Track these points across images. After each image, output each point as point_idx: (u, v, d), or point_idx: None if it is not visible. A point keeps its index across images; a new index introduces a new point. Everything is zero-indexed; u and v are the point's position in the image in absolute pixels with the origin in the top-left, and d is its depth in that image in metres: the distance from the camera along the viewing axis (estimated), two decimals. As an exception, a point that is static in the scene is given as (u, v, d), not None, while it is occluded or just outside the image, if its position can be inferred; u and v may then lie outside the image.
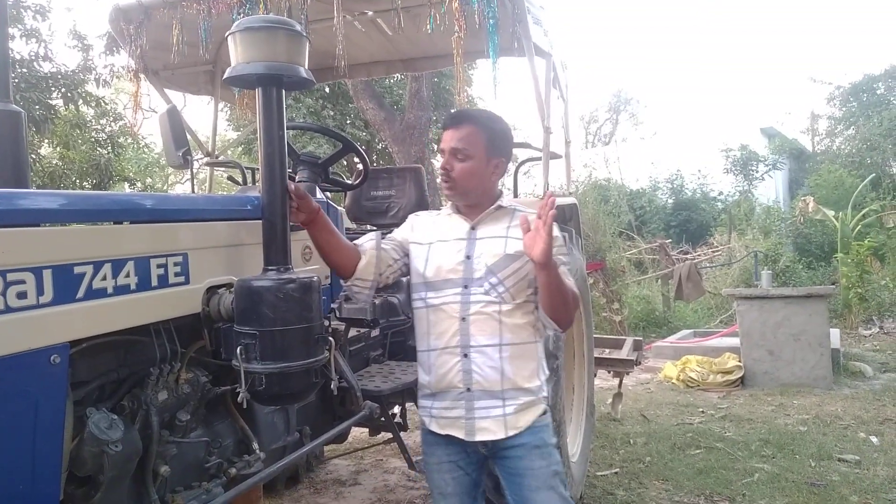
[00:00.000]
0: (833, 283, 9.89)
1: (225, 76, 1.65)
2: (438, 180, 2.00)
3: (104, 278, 1.43)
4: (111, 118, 12.74)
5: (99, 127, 12.62)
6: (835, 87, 19.06)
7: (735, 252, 12.10)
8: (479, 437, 1.84)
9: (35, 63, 10.21)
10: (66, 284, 1.35)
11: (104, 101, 11.97)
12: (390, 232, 2.07)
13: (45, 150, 12.26)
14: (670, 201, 17.41)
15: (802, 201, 12.25)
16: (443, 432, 1.88)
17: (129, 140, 13.76)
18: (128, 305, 1.50)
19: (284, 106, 1.72)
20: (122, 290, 1.48)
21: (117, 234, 1.51)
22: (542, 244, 1.63)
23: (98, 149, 12.03)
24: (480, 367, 1.83)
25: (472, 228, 1.91)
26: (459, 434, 1.86)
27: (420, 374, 1.95)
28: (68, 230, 1.38)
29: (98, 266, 1.42)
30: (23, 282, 1.25)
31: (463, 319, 1.84)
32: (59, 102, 10.59)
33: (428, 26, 2.57)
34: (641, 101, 29.08)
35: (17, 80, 9.60)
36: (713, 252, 12.19)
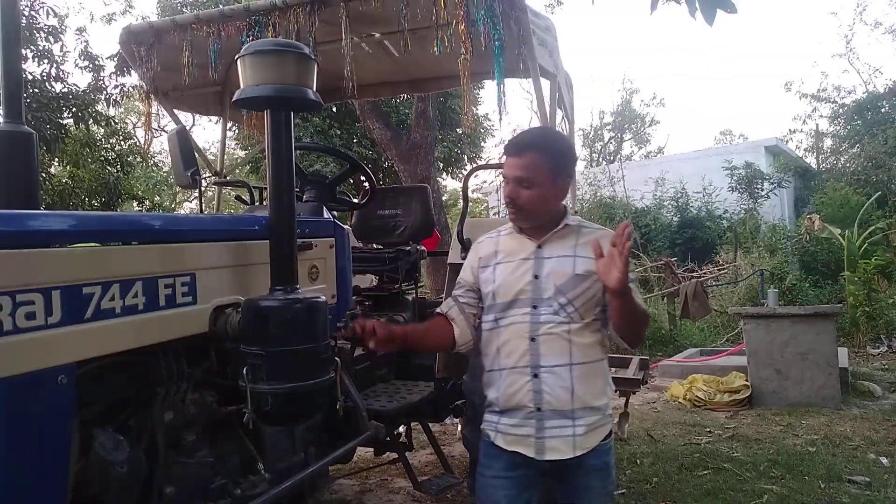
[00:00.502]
0: (840, 302, 9.83)
1: (234, 98, 1.68)
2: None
3: (112, 299, 1.45)
4: (121, 137, 12.86)
5: (108, 146, 12.74)
6: (839, 106, 19.14)
7: (741, 270, 12.06)
8: (548, 457, 1.84)
9: (47, 83, 10.35)
10: (75, 305, 1.36)
11: (114, 121, 12.11)
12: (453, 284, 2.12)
13: (54, 168, 12.37)
14: (675, 219, 17.40)
15: (808, 219, 12.23)
16: (509, 448, 1.87)
17: (139, 159, 13.89)
18: (135, 326, 1.51)
19: (293, 127, 1.74)
20: (129, 310, 1.49)
21: (126, 255, 1.52)
22: (617, 273, 1.64)
23: (107, 167, 12.13)
24: (551, 388, 1.82)
25: (539, 247, 1.91)
26: (528, 452, 1.85)
27: (488, 391, 1.95)
28: (77, 251, 1.39)
29: (106, 287, 1.43)
30: (31, 302, 1.26)
31: (532, 339, 1.84)
32: (70, 122, 10.72)
33: (435, 48, 2.60)
34: (646, 120, 29.12)
35: (28, 101, 9.73)
36: (719, 270, 12.15)
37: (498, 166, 3.79)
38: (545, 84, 3.03)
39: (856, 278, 9.19)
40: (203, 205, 3.16)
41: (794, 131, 23.41)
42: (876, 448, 4.55)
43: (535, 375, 1.83)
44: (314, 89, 1.72)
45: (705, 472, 4.19)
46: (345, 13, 2.67)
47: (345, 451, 2.29)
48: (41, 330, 1.28)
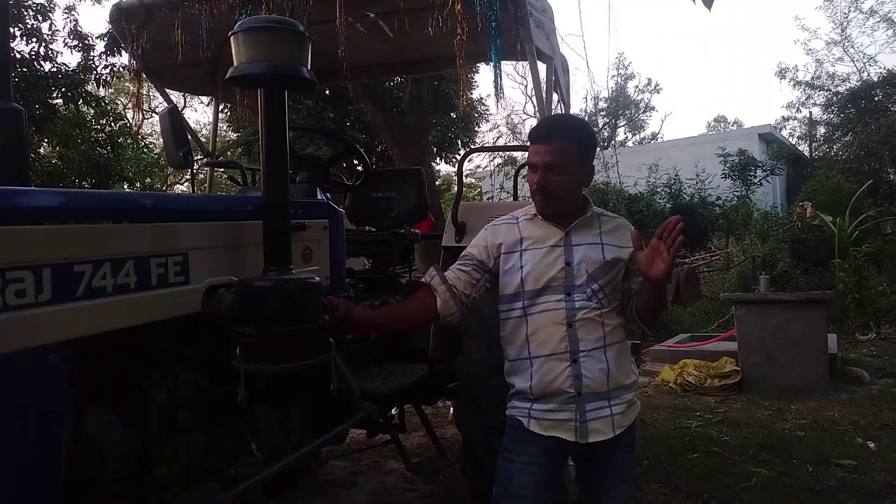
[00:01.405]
0: (830, 289, 9.90)
1: (227, 76, 1.65)
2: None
3: (104, 277, 1.43)
4: (111, 118, 12.71)
5: (99, 127, 12.59)
6: (833, 94, 19.15)
7: (733, 257, 12.12)
8: (591, 439, 1.85)
9: (35, 62, 10.20)
10: (66, 283, 1.34)
11: (104, 101, 11.97)
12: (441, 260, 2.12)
13: (44, 149, 12.23)
14: (668, 206, 17.42)
15: (800, 207, 12.29)
16: (546, 433, 1.87)
17: (129, 140, 13.75)
18: (127, 305, 1.50)
19: (287, 106, 1.71)
20: (121, 289, 1.48)
21: (117, 234, 1.50)
22: (663, 266, 1.70)
23: (98, 148, 12.00)
24: (590, 371, 1.85)
25: (567, 234, 1.91)
26: (568, 436, 1.86)
27: (514, 379, 1.95)
28: (68, 229, 1.38)
29: (98, 265, 1.42)
30: (21, 280, 1.24)
31: (570, 326, 1.86)
32: (60, 102, 10.58)
33: (430, 28, 2.57)
34: (640, 106, 29.05)
35: (17, 80, 9.59)
36: (711, 256, 12.20)
37: (494, 149, 3.78)
38: (541, 67, 3.00)
39: (846, 265, 9.26)
40: (195, 186, 3.13)
41: (788, 119, 23.42)
42: (863, 432, 4.60)
43: (575, 360, 1.85)
44: (309, 68, 1.69)
45: (695, 455, 4.24)
46: (339, -9, 2.63)
47: (338, 432, 2.29)
48: (31, 308, 1.26)
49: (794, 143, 22.34)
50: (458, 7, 2.44)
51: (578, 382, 1.84)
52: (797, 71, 20.82)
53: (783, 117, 23.76)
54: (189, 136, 3.23)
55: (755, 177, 17.17)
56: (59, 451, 1.33)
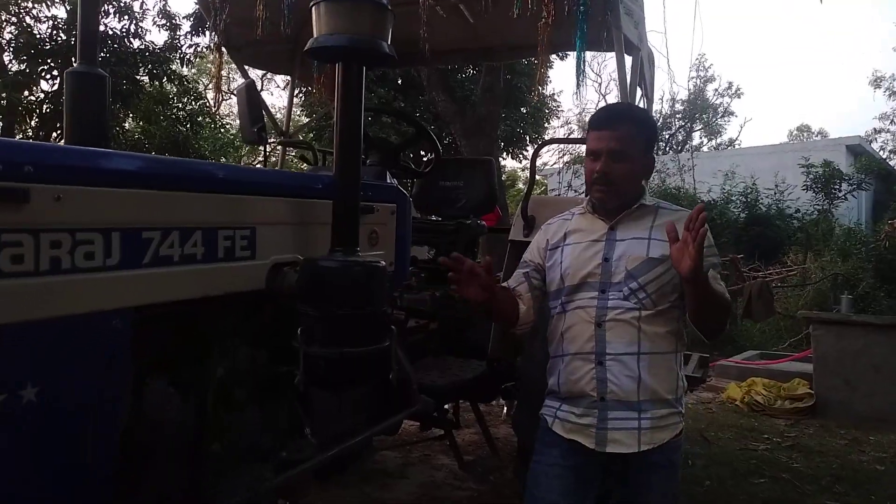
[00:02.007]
0: (917, 314, 9.25)
1: (306, 48, 1.60)
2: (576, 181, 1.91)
3: (171, 246, 1.41)
4: (192, 97, 13.15)
5: (180, 105, 13.05)
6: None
7: (810, 273, 11.49)
8: (609, 449, 1.73)
9: (126, 39, 10.63)
10: (134, 249, 1.32)
11: (187, 81, 12.38)
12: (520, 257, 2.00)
13: (128, 123, 12.77)
14: (743, 215, 16.71)
15: (889, 224, 11.51)
16: (567, 436, 1.78)
17: (208, 120, 14.20)
18: (193, 276, 1.47)
19: (364, 83, 1.65)
20: (188, 259, 1.45)
21: (187, 203, 1.47)
22: (689, 261, 1.52)
23: (178, 126, 12.45)
24: (616, 377, 1.72)
25: (612, 229, 1.80)
26: (587, 443, 1.75)
27: (550, 378, 1.87)
28: (139, 194, 1.35)
29: (166, 233, 1.39)
30: (91, 242, 1.22)
31: (598, 325, 1.74)
32: (146, 79, 11.00)
33: (515, 10, 2.46)
34: (719, 111, 27.96)
35: (107, 55, 10.02)
36: (787, 272, 11.61)
37: (570, 141, 3.64)
38: (627, 59, 2.85)
39: (938, 291, 8.59)
40: (267, 165, 3.14)
41: (880, 131, 22.08)
42: (952, 472, 4.24)
43: (600, 363, 1.72)
44: (389, 42, 1.62)
45: (762, 480, 3.99)
46: (424, -29, 2.55)
47: (393, 423, 2.24)
48: (98, 272, 1.24)
49: (885, 157, 21.04)
50: (547, -12, 2.33)
51: (603, 387, 1.71)
52: (894, 80, 19.58)
53: (874, 129, 22.45)
54: (264, 114, 3.24)
55: (840, 190, 16.23)
56: (118, 420, 1.31)
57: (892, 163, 20.52)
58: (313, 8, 1.60)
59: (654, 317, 1.72)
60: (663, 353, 1.74)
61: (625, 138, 1.73)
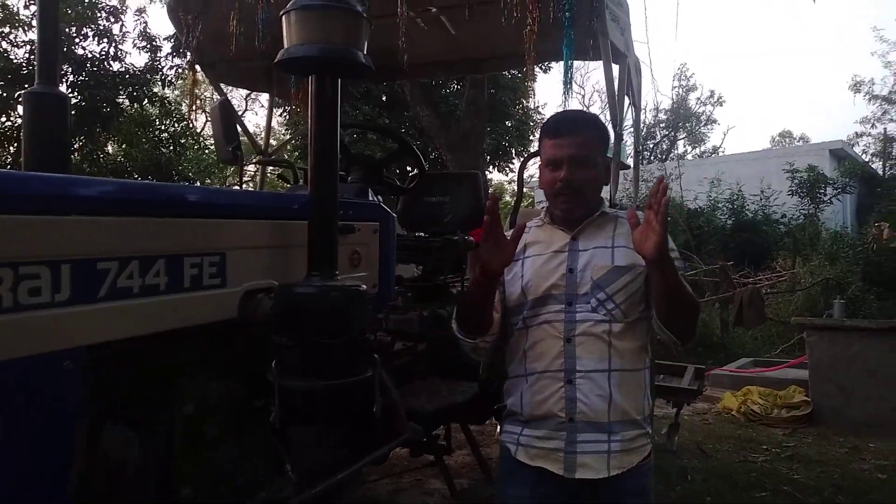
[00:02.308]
0: (905, 316, 9.26)
1: (276, 59, 1.50)
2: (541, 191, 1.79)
3: (130, 277, 1.29)
4: (175, 118, 13.02)
5: (162, 126, 12.91)
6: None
7: (799, 278, 11.48)
8: (579, 475, 1.62)
9: (105, 62, 10.50)
10: (87, 282, 1.21)
11: (168, 102, 12.26)
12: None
13: (110, 148, 12.61)
14: (730, 222, 16.75)
15: (876, 227, 11.55)
16: (533, 464, 1.67)
17: (192, 141, 14.06)
18: (155, 308, 1.36)
19: (339, 95, 1.55)
20: (149, 290, 1.34)
21: (149, 229, 1.36)
22: (654, 237, 1.43)
23: (160, 148, 12.30)
24: (586, 396, 1.62)
25: (574, 239, 1.71)
26: (555, 468, 1.64)
27: (510, 400, 1.75)
28: (92, 221, 1.24)
29: (124, 263, 1.28)
30: (36, 276, 1.11)
31: (568, 340, 1.64)
32: (126, 101, 10.86)
33: (502, 17, 2.38)
34: (702, 119, 28.19)
35: (86, 78, 9.89)
36: (777, 277, 11.61)
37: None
38: (614, 67, 2.78)
39: (928, 293, 8.58)
40: (243, 184, 3.02)
41: (861, 135, 22.30)
42: (955, 479, 4.16)
43: (569, 381, 1.62)
44: (365, 52, 1.53)
45: (763, 493, 3.89)
46: (401, -20, 2.47)
47: (380, 454, 2.12)
48: (46, 308, 1.13)
49: (867, 160, 21.23)
50: (530, -5, 2.25)
51: (571, 406, 1.61)
52: (873, 84, 19.81)
53: (856, 133, 22.67)
54: (240, 132, 3.13)
55: (825, 195, 16.32)
56: (69, 471, 1.19)
57: (874, 166, 20.67)
58: (283, 17, 1.50)
59: (625, 330, 1.64)
60: (633, 371, 1.66)
61: (585, 143, 1.66)
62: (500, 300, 1.74)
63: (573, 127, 1.68)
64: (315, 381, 1.45)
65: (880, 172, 19.66)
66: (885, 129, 20.68)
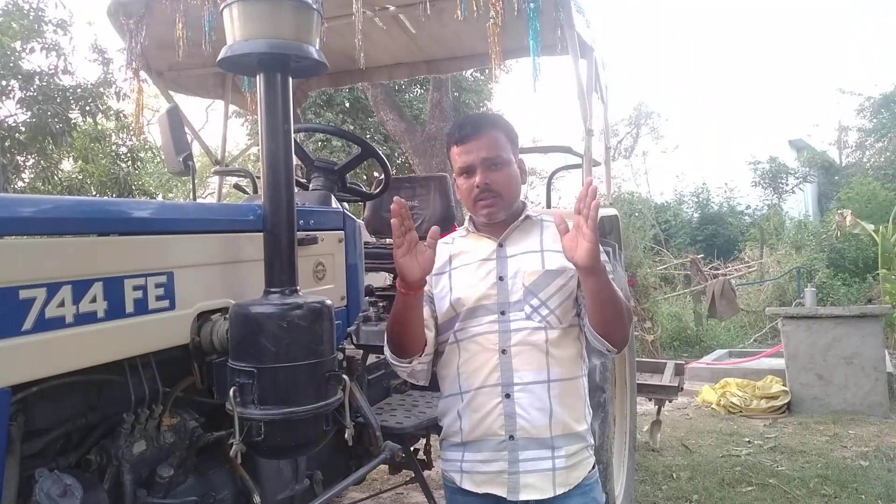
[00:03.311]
0: (869, 301, 9.41)
1: (219, 57, 1.37)
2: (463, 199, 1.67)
3: (61, 305, 1.14)
4: (133, 132, 12.65)
5: (119, 141, 12.55)
6: (865, 99, 18.52)
7: (767, 268, 11.63)
8: (523, 496, 1.53)
9: (55, 77, 10.15)
10: (8, 314, 1.06)
11: (124, 115, 11.91)
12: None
13: (67, 164, 12.21)
14: (696, 215, 16.96)
15: (839, 215, 11.75)
16: (480, 491, 1.56)
17: (152, 154, 13.68)
18: (94, 338, 1.21)
19: (291, 95, 1.42)
20: (85, 319, 1.19)
21: (80, 250, 1.21)
22: (586, 243, 1.35)
23: (118, 162, 11.94)
24: (526, 410, 1.53)
25: (500, 246, 1.63)
26: (501, 492, 1.54)
27: (445, 421, 1.64)
28: (9, 244, 1.09)
29: (53, 289, 1.13)
30: (-57, 311, 0.96)
31: (503, 352, 1.55)
32: (78, 116, 10.52)
33: (460, 13, 2.27)
34: (663, 115, 28.52)
35: (35, 93, 9.53)
36: (747, 268, 11.74)
37: (526, 150, 3.48)
38: (581, 62, 2.69)
39: (892, 276, 8.74)
40: (196, 196, 2.85)
41: (818, 125, 22.76)
42: (935, 462, 4.18)
43: (507, 395, 1.53)
44: (318, 47, 1.40)
45: (750, 488, 3.85)
46: (356, -25, 2.35)
47: (355, 478, 1.98)
48: (-43, 347, 0.98)
49: (824, 149, 21.70)
50: (492, -14, 2.15)
51: (511, 423, 1.53)
52: (828, 78, 20.23)
53: (814, 124, 23.12)
54: (193, 141, 2.97)
55: (787, 184, 16.64)
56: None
57: (830, 155, 21.14)
58: (224, 11, 1.37)
59: (561, 337, 1.56)
60: (572, 379, 1.58)
61: (493, 144, 1.59)
62: (432, 316, 1.63)
63: (478, 130, 1.60)
64: (278, 409, 1.32)
65: (838, 161, 20.10)
66: (839, 120, 21.14)
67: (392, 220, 1.39)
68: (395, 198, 1.42)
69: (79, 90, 10.30)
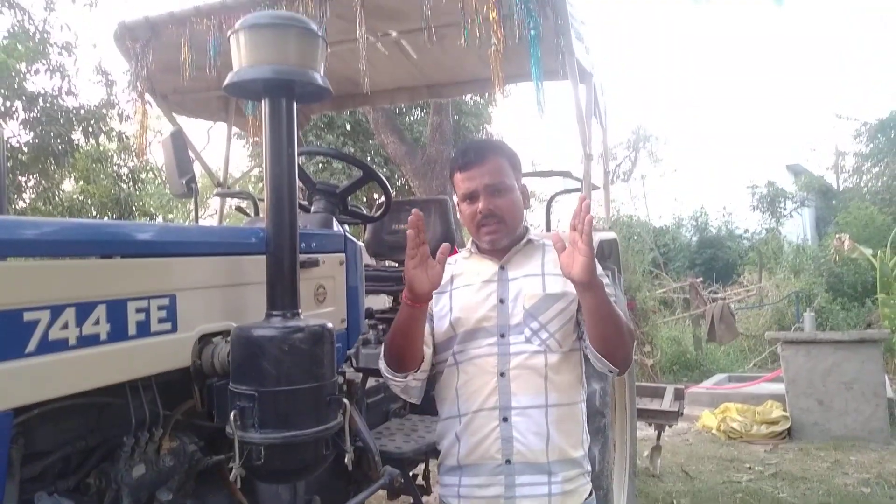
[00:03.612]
0: (869, 325, 9.39)
1: (225, 83, 1.39)
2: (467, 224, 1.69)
3: (65, 327, 1.14)
4: (134, 153, 12.72)
5: (121, 162, 12.61)
6: (861, 124, 18.68)
7: (766, 292, 11.64)
8: None
9: (59, 98, 10.24)
10: (12, 336, 1.06)
11: (126, 136, 11.99)
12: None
13: (68, 185, 12.27)
14: (695, 239, 17.01)
15: (837, 239, 11.78)
16: None
17: (153, 175, 13.75)
18: (96, 361, 1.21)
19: (296, 119, 1.44)
20: (88, 341, 1.19)
21: (84, 272, 1.22)
22: (581, 258, 1.37)
23: (119, 183, 11.99)
24: (523, 434, 1.53)
25: (502, 268, 1.64)
26: None
27: (443, 444, 1.64)
28: (14, 266, 1.10)
29: (57, 312, 1.13)
30: (-52, 333, 0.96)
31: (502, 375, 1.55)
32: (81, 137, 10.59)
33: (463, 40, 2.30)
34: (661, 139, 28.72)
35: (38, 115, 9.61)
36: (746, 292, 11.74)
37: (530, 174, 3.51)
38: (581, 87, 2.73)
39: (891, 301, 8.74)
40: (199, 218, 2.87)
41: (815, 150, 22.93)
42: (938, 489, 4.14)
43: (505, 419, 1.53)
44: (322, 73, 1.42)
45: (751, 515, 3.82)
46: (359, 2, 2.39)
47: (354, 503, 1.96)
48: (-40, 369, 0.98)
49: (820, 174, 21.85)
50: (494, 14, 2.18)
51: (509, 447, 1.53)
52: (825, 103, 20.42)
53: (811, 149, 23.28)
54: (196, 163, 2.99)
55: (785, 209, 16.71)
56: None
57: (827, 180, 21.28)
58: (231, 38, 1.39)
59: (560, 362, 1.57)
60: (570, 405, 1.59)
61: (496, 170, 1.61)
62: (431, 333, 1.64)
63: (481, 156, 1.62)
64: (278, 433, 1.31)
65: (835, 185, 20.22)
66: (835, 144, 21.30)
67: (408, 231, 1.43)
68: (415, 210, 1.45)
69: (82, 111, 10.39)
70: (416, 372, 1.60)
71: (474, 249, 1.71)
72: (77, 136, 10.41)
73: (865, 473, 4.50)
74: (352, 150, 11.26)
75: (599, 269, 1.53)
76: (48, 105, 9.99)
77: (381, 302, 3.27)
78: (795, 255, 13.86)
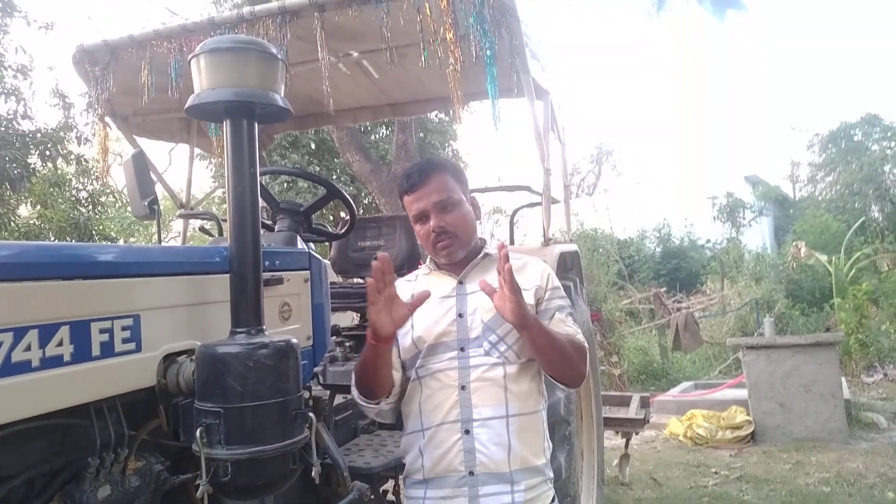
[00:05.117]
0: (827, 330, 9.69)
1: (187, 105, 1.41)
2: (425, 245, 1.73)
3: (28, 349, 1.15)
4: (93, 177, 12.49)
5: (80, 185, 12.36)
6: (814, 135, 19.39)
7: (728, 300, 11.93)
8: None
9: (14, 122, 10.03)
10: (-27, 359, 1.06)
11: (85, 160, 11.78)
12: None
13: (24, 210, 11.97)
14: (658, 250, 17.36)
15: (795, 247, 12.18)
16: None
17: (113, 198, 13.51)
18: (60, 382, 1.21)
19: (257, 140, 1.47)
20: (51, 362, 1.19)
21: (47, 294, 1.23)
22: (510, 304, 1.44)
23: (78, 207, 11.75)
24: (485, 445, 1.57)
25: (461, 283, 1.68)
26: None
27: (408, 458, 1.67)
28: (-24, 289, 1.10)
29: (19, 334, 1.14)
30: None
31: (462, 388, 1.59)
32: (37, 161, 10.37)
33: (422, 61, 2.36)
34: (623, 153, 29.32)
35: (-8, 139, 9.39)
36: (709, 301, 12.01)
37: (488, 189, 3.58)
38: (538, 102, 2.81)
39: (847, 305, 9.05)
40: (174, 240, 2.85)
41: (771, 161, 23.71)
42: (893, 485, 4.29)
43: (467, 431, 1.57)
44: (283, 95, 1.46)
45: (717, 518, 3.90)
46: (319, 24, 2.43)
47: (323, 519, 1.97)
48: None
49: (777, 184, 22.54)
50: (451, 35, 2.25)
51: (471, 458, 1.56)
52: (779, 116, 21.11)
53: (768, 160, 24.04)
54: (158, 185, 2.99)
55: (744, 219, 17.18)
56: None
57: (783, 190, 21.96)
58: (192, 62, 1.42)
59: (519, 372, 1.62)
60: (531, 414, 1.63)
61: (442, 188, 1.65)
62: (399, 357, 1.67)
63: (425, 176, 1.66)
64: (244, 449, 1.33)
65: (791, 195, 20.87)
66: (790, 156, 22.05)
67: (368, 280, 1.45)
68: (380, 254, 1.48)
69: (38, 135, 10.19)
70: (387, 397, 1.64)
71: (433, 266, 1.75)
72: (34, 159, 10.20)
73: (826, 473, 4.64)
74: (317, 168, 11.25)
75: (556, 283, 1.63)
76: (3, 129, 9.79)
77: (347, 319, 3.28)
78: (755, 263, 14.26)
